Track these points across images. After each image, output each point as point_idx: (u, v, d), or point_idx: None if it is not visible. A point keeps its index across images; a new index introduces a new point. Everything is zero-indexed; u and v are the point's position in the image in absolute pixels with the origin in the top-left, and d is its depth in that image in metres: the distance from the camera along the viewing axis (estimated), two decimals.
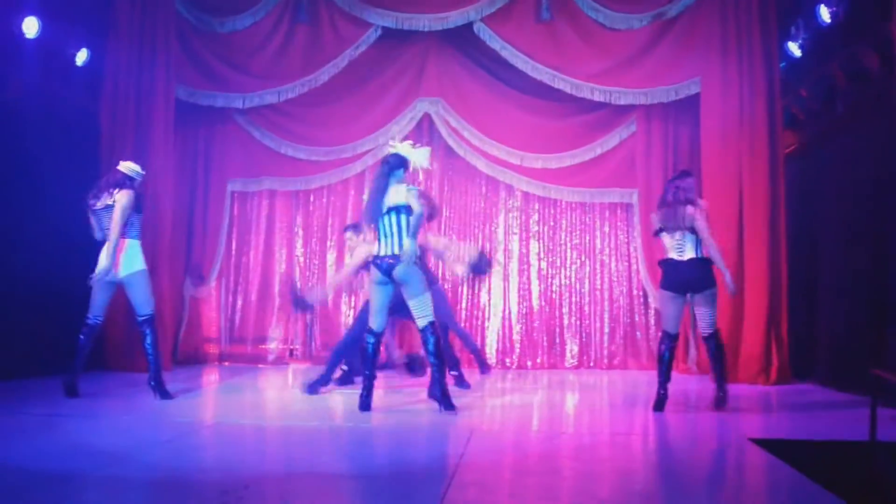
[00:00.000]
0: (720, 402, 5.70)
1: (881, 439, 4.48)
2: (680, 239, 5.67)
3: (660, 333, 5.88)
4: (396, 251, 5.44)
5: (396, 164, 5.55)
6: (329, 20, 8.31)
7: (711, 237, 5.61)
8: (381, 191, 5.48)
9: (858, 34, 6.49)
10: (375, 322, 5.61)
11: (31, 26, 6.99)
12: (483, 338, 8.92)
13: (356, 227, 6.88)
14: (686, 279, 5.65)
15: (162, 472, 3.85)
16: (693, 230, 5.63)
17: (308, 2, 8.23)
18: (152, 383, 5.88)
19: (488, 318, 9.01)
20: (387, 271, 5.47)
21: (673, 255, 5.71)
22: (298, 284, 8.44)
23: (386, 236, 5.48)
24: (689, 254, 5.66)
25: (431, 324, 5.46)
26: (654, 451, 4.81)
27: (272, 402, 6.04)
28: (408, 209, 5.42)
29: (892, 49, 5.93)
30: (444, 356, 5.67)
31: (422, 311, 5.46)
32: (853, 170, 6.83)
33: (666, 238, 5.75)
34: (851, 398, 6.23)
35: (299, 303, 6.82)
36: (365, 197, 5.64)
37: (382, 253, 5.49)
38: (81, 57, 7.78)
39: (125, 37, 8.04)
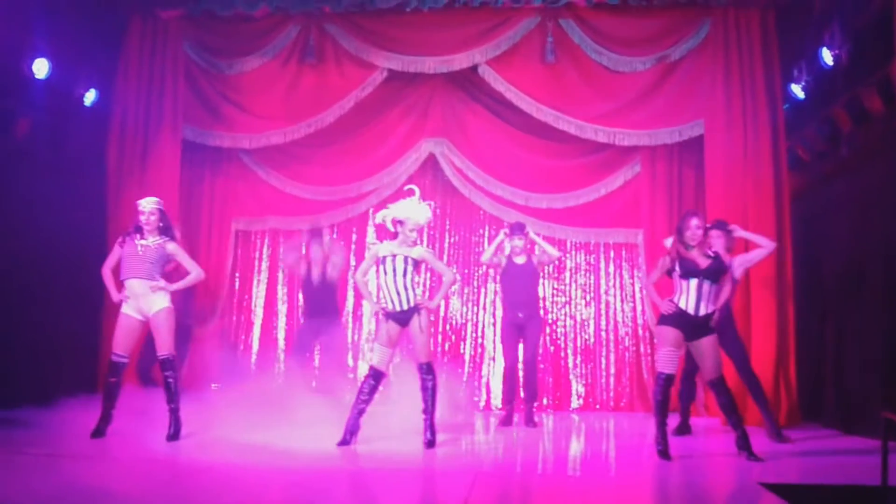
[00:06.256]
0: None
1: (893, 484, 4.40)
2: None
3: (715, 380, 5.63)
4: (408, 305, 5.85)
5: None
6: (336, 62, 8.38)
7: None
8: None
9: (861, 76, 6.52)
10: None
11: (41, 67, 7.10)
12: (489, 379, 8.84)
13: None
14: None
15: None
16: None
17: (315, 44, 8.31)
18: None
19: (493, 359, 8.94)
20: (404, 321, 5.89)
21: None
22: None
23: (399, 292, 5.85)
24: None
25: (428, 364, 5.86)
26: (663, 497, 4.72)
27: (275, 442, 5.95)
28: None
29: (893, 90, 5.96)
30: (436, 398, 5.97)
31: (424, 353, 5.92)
32: (859, 211, 6.82)
33: None
34: (862, 442, 6.13)
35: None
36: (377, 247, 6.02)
37: (399, 308, 5.86)
38: (90, 97, 7.88)
39: (134, 77, 8.16)
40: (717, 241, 6.25)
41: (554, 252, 7.63)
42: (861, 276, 6.73)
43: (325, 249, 7.88)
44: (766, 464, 5.28)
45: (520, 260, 7.35)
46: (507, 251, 7.46)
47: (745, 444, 5.42)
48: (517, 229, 7.46)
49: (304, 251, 8.10)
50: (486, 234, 9.15)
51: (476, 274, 9.17)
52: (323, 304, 7.77)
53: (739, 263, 6.60)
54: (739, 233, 6.70)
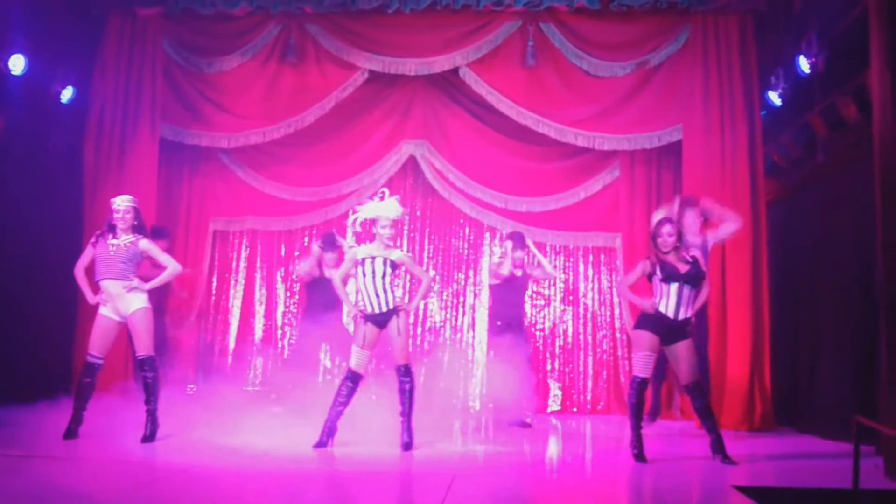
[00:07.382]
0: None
1: (864, 487, 4.45)
2: None
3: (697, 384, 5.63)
4: (387, 307, 5.85)
5: None
6: (316, 62, 8.35)
7: None
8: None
9: (837, 84, 6.60)
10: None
11: (17, 63, 7.02)
12: (467, 382, 8.84)
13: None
14: None
15: None
16: None
17: (296, 44, 8.27)
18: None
19: (472, 361, 8.94)
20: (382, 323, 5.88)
21: None
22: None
23: (378, 294, 5.84)
24: None
25: (406, 366, 5.87)
26: (638, 499, 4.75)
27: (250, 444, 5.94)
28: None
29: (869, 98, 6.03)
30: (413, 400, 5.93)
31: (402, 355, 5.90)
32: (834, 217, 6.89)
33: None
34: (835, 445, 6.20)
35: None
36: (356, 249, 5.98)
37: (378, 310, 5.85)
38: (67, 94, 7.80)
39: (111, 75, 8.09)
40: (693, 226, 6.42)
41: (552, 272, 7.86)
42: (836, 281, 6.80)
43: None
44: (740, 467, 5.32)
45: (517, 272, 7.47)
46: (505, 270, 7.52)
47: (720, 448, 5.47)
48: (518, 240, 7.58)
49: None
50: (466, 235, 9.17)
51: (456, 276, 9.17)
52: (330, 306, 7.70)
53: (712, 237, 6.83)
54: (706, 204, 6.90)
